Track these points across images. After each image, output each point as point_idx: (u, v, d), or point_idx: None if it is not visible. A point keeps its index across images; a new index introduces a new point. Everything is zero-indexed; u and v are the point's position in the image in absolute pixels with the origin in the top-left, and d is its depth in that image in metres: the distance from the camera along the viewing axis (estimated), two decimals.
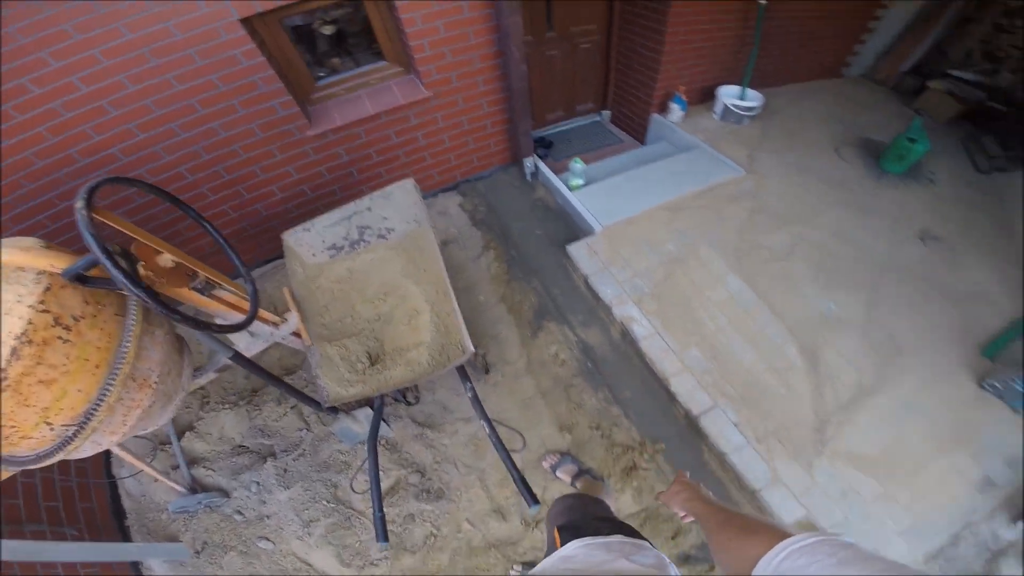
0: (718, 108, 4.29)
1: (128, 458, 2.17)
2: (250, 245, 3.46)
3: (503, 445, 2.14)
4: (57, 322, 1.25)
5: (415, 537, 2.40)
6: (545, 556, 1.22)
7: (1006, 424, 2.53)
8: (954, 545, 2.19)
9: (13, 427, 1.21)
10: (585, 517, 1.37)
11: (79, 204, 1.16)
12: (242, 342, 1.98)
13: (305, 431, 2.73)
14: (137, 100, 2.51)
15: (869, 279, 3.10)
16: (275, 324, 2.03)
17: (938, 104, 4.62)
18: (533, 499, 2.01)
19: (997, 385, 2.57)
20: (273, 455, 2.67)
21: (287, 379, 2.85)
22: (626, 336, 2.89)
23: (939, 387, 2.63)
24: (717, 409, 2.48)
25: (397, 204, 2.69)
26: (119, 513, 2.58)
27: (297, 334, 2.22)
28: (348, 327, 2.51)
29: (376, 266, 2.68)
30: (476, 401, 2.29)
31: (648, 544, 1.09)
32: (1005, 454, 2.43)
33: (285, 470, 2.61)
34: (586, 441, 2.56)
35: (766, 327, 2.82)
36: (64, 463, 2.42)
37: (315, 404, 2.36)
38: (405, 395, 2.81)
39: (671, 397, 2.62)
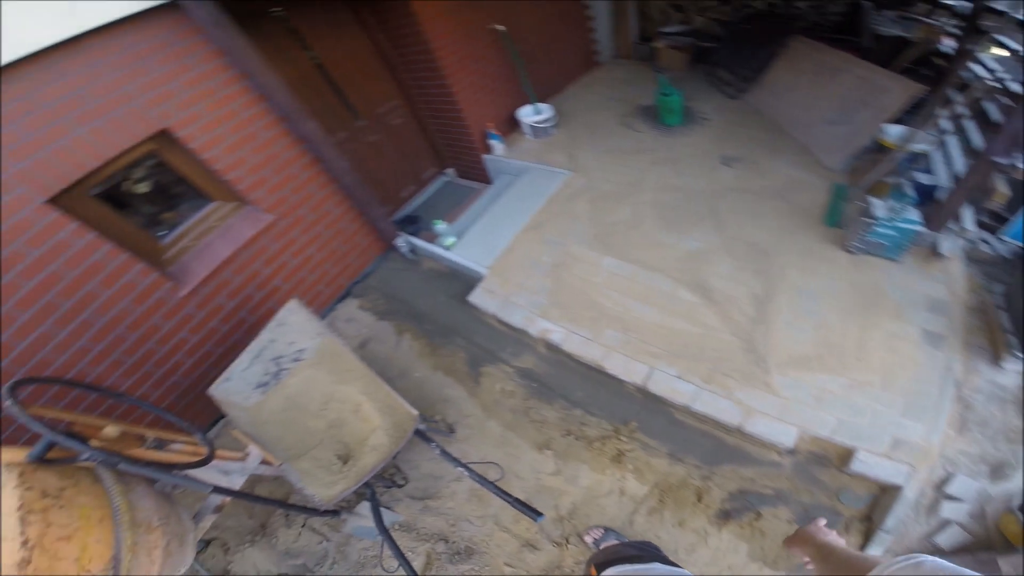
0: (526, 129, 4.91)
1: None
2: (191, 412, 3.28)
3: (487, 479, 2.35)
4: (45, 494, 1.38)
5: None
6: None
7: (896, 274, 2.90)
8: (968, 408, 2.39)
9: None
10: (622, 550, 1.43)
11: (7, 403, 1.34)
12: (221, 482, 2.06)
13: (325, 542, 2.76)
14: None
15: (707, 210, 3.74)
16: (241, 459, 2.21)
17: (670, 59, 5.65)
18: (535, 512, 2.19)
19: (859, 245, 2.98)
20: (310, 571, 2.69)
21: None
22: (550, 347, 3.20)
23: (817, 267, 3.09)
24: (656, 371, 2.81)
25: (294, 327, 2.81)
26: None
27: (266, 461, 2.34)
28: (309, 442, 2.66)
29: (307, 385, 2.80)
30: (445, 454, 2.54)
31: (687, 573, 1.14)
32: (921, 302, 2.73)
33: None
34: (567, 449, 2.77)
35: (652, 283, 3.28)
36: None
37: (314, 512, 2.43)
38: (393, 479, 2.89)
39: (614, 379, 2.93)
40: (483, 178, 5.07)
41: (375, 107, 4.34)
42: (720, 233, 3.53)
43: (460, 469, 2.46)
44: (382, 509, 2.54)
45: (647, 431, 2.75)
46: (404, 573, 2.44)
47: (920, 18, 4.25)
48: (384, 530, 2.35)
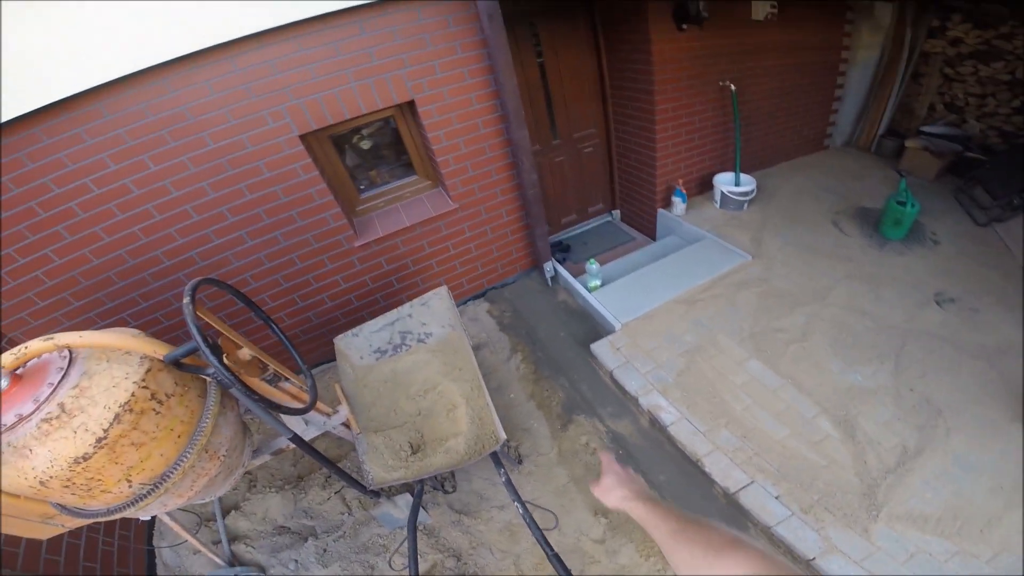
0: (716, 196, 4.60)
1: (176, 528, 2.34)
2: (302, 350, 3.75)
3: (537, 524, 2.24)
4: (153, 397, 1.51)
5: None
6: None
7: None
8: None
9: (99, 481, 1.42)
10: None
11: (186, 300, 1.52)
12: (297, 429, 2.23)
13: (347, 515, 2.87)
14: (215, 207, 2.96)
15: (891, 348, 3.15)
16: (327, 415, 2.32)
17: (920, 162, 4.79)
18: (568, 574, 2.05)
19: None
20: (315, 535, 2.79)
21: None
22: (655, 424, 2.98)
23: (990, 442, 2.57)
24: (755, 484, 2.50)
25: (434, 311, 3.02)
26: None
27: (347, 424, 2.48)
28: (392, 420, 2.79)
29: (417, 367, 2.98)
30: (510, 484, 2.46)
31: None
32: None
33: (324, 550, 2.71)
34: (621, 524, 2.59)
35: (794, 404, 2.87)
36: (110, 526, 2.67)
37: (360, 487, 2.51)
38: (443, 484, 2.96)
39: (707, 477, 2.66)
40: (648, 231, 4.93)
41: (573, 130, 4.51)
42: (895, 378, 2.98)
43: (516, 505, 2.42)
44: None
45: None
46: (407, 573, 2.49)
47: None
48: (414, 528, 2.38)
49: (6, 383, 1.38)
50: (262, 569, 2.68)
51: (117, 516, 1.58)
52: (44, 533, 1.77)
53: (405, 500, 2.65)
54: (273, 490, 3.01)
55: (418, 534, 2.68)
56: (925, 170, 4.78)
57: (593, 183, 4.97)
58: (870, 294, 3.59)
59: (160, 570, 2.77)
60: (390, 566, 2.64)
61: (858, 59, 4.93)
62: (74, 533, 2.41)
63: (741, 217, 4.50)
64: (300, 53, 2.69)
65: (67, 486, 1.38)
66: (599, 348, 3.43)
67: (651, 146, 4.24)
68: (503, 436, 2.43)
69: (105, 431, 1.37)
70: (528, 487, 2.86)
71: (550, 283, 4.25)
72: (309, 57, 2.73)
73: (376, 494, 2.63)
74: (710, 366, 3.17)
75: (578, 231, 5.15)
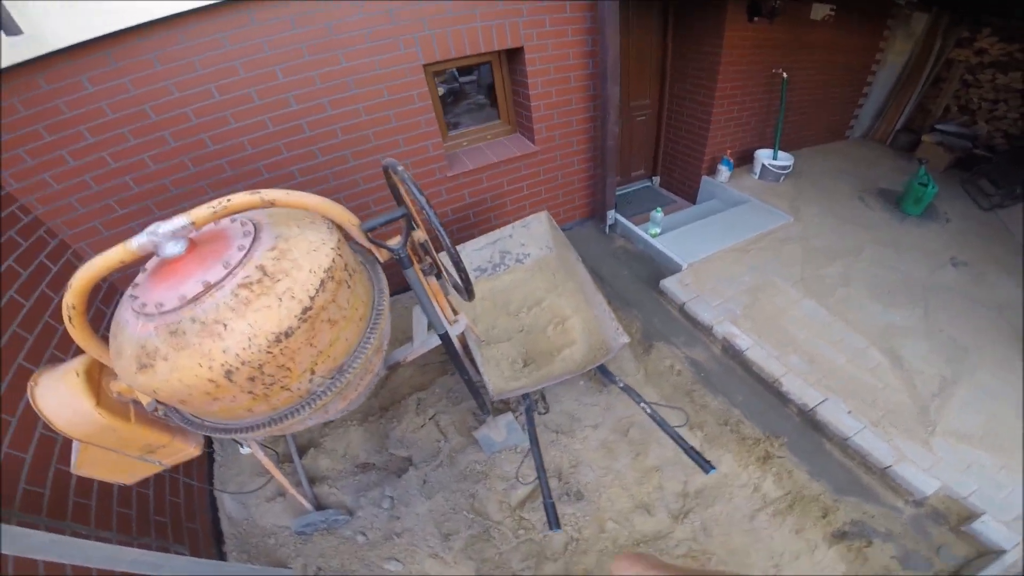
0: (756, 168, 5.06)
1: (267, 463, 2.09)
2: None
3: (666, 422, 2.48)
4: (346, 267, 1.39)
5: (555, 547, 2.45)
6: None
7: None
8: None
9: (287, 372, 1.25)
10: None
11: (400, 167, 1.56)
12: (417, 341, 2.25)
13: (443, 441, 2.89)
14: (330, 123, 3.10)
15: (919, 297, 3.67)
16: (452, 321, 2.28)
17: (932, 155, 5.43)
18: (707, 464, 2.34)
19: None
20: (413, 465, 2.78)
21: (417, 395, 3.14)
22: (728, 351, 3.34)
23: (1009, 376, 3.05)
24: (829, 400, 2.88)
25: (533, 233, 3.27)
26: (218, 537, 2.53)
27: (471, 329, 2.59)
28: (498, 336, 2.95)
29: (515, 286, 3.21)
30: (629, 389, 2.69)
31: None
32: None
33: (425, 480, 2.71)
34: (717, 436, 2.90)
35: (846, 337, 3.32)
36: (175, 483, 2.44)
37: (480, 400, 2.61)
38: (537, 404, 3.10)
39: (782, 398, 3.02)
40: (689, 196, 5.33)
41: (631, 100, 4.81)
42: (925, 320, 3.49)
43: (643, 406, 2.66)
44: (516, 424, 2.70)
45: (793, 449, 2.79)
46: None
47: None
48: (534, 434, 2.55)
49: (182, 247, 1.16)
50: (348, 512, 2.57)
51: (272, 430, 1.39)
52: (134, 474, 1.53)
53: (506, 421, 2.78)
54: (353, 424, 2.92)
55: (518, 454, 2.77)
56: (936, 162, 5.40)
57: (640, 150, 5.31)
58: (895, 255, 4.12)
59: (224, 524, 2.57)
60: (518, 479, 2.70)
61: (888, 62, 5.52)
62: (143, 484, 2.14)
63: (777, 188, 4.97)
64: None
65: (253, 378, 1.20)
66: (669, 283, 3.78)
67: (706, 120, 4.63)
68: (624, 338, 2.65)
69: (312, 299, 1.22)
70: (620, 406, 3.06)
71: (607, 231, 4.56)
72: None
73: (486, 412, 2.73)
74: (771, 303, 3.58)
75: (621, 192, 5.48)
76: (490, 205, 4.06)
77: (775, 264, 3.95)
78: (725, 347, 3.36)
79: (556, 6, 3.31)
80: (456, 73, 3.78)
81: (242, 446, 1.71)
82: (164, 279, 1.22)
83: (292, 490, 2.34)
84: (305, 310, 1.20)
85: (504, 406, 2.97)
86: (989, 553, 2.27)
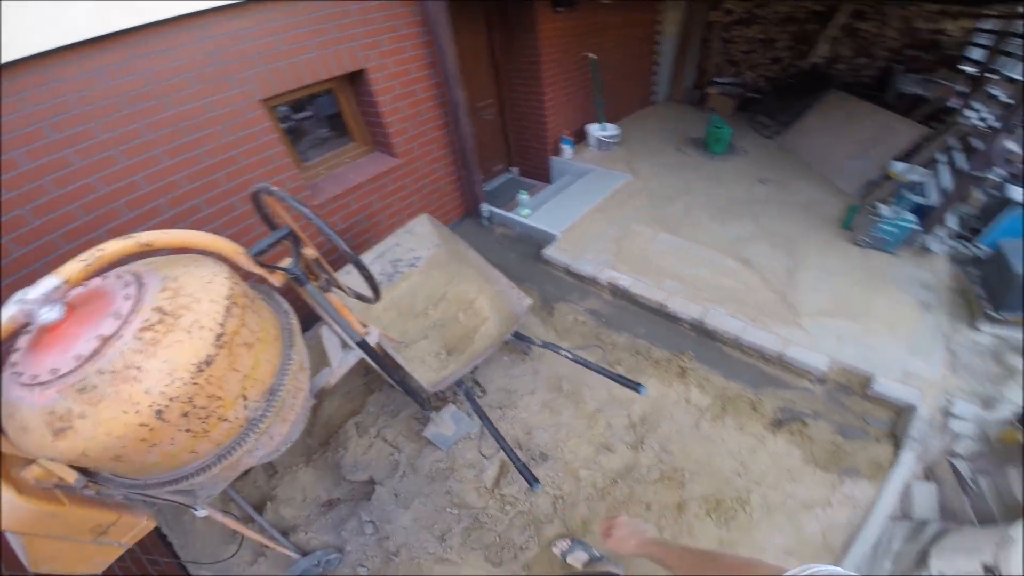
0: (592, 141, 5.77)
1: (231, 523, 2.00)
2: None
3: (588, 360, 2.78)
4: (245, 293, 1.41)
5: (543, 510, 2.57)
6: None
7: (895, 263, 3.73)
8: (956, 356, 2.97)
9: (219, 401, 1.24)
10: None
11: (276, 188, 1.56)
12: (335, 362, 2.21)
13: (397, 453, 2.89)
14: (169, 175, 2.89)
15: (746, 211, 4.53)
16: (364, 333, 2.21)
17: (719, 104, 6.69)
18: (636, 384, 2.67)
19: (867, 240, 3.86)
20: (379, 484, 2.76)
21: (354, 419, 3.10)
22: (616, 293, 3.80)
23: (834, 254, 3.87)
24: (710, 310, 3.41)
25: (419, 236, 3.40)
26: None
27: (388, 336, 2.62)
28: (413, 337, 3.06)
29: (415, 288, 3.33)
30: (548, 344, 2.95)
31: None
32: (915, 282, 3.54)
33: (396, 494, 2.70)
34: (635, 365, 3.27)
35: (702, 254, 3.97)
36: (139, 563, 2.20)
37: (419, 399, 2.65)
38: (472, 389, 3.20)
39: (673, 318, 3.52)
40: (544, 177, 5.85)
41: (475, 101, 5.15)
42: (757, 226, 4.31)
43: (564, 353, 2.91)
44: (460, 412, 2.81)
45: (701, 359, 3.25)
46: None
47: (940, 80, 5.20)
48: (481, 411, 2.68)
49: (59, 312, 1.09)
50: (338, 549, 2.51)
51: (228, 461, 1.36)
52: (97, 561, 1.40)
53: (450, 412, 2.87)
54: (300, 466, 2.90)
55: (474, 441, 2.84)
56: (723, 109, 6.65)
57: (493, 145, 5.69)
58: (718, 185, 5.02)
59: None
60: (481, 453, 2.79)
61: (667, 32, 6.59)
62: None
63: (613, 154, 5.72)
64: (266, 25, 2.90)
65: (186, 413, 1.18)
66: (550, 252, 4.16)
67: (541, 105, 5.15)
68: (528, 301, 2.92)
69: (222, 325, 1.22)
70: (545, 368, 3.30)
71: (487, 224, 4.83)
72: (277, 28, 2.94)
73: (427, 410, 2.78)
74: (635, 244, 4.14)
75: (488, 188, 5.81)
76: (366, 225, 4.08)
77: (629, 213, 4.56)
78: (613, 290, 3.81)
79: (391, 26, 3.47)
80: (303, 102, 3.75)
81: (196, 510, 1.56)
82: (48, 347, 1.14)
83: (271, 543, 2.23)
84: (219, 336, 1.21)
85: (443, 402, 3.04)
86: (904, 411, 2.75)
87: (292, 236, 1.69)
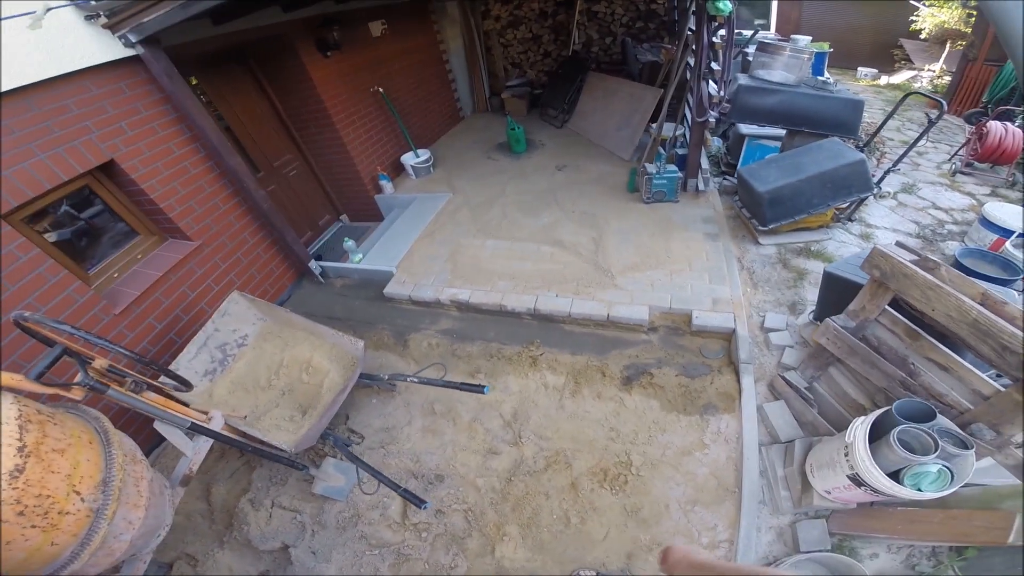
0: (409, 171, 5.93)
1: None
2: (129, 431, 3.23)
3: (434, 379, 2.96)
4: (39, 410, 1.51)
5: (458, 526, 2.64)
6: None
7: (678, 208, 4.43)
8: (752, 273, 3.59)
9: (49, 498, 1.38)
10: None
11: (28, 312, 1.59)
12: (188, 451, 2.27)
13: (300, 515, 2.85)
14: None
15: (551, 199, 5.05)
16: (205, 421, 2.32)
17: (514, 106, 7.32)
18: (478, 387, 2.86)
19: (648, 196, 4.54)
20: (293, 547, 2.71)
21: (246, 496, 2.95)
22: (459, 306, 3.99)
23: (628, 216, 4.48)
24: (540, 296, 3.76)
25: (236, 315, 3.29)
26: None
27: (233, 415, 2.60)
28: (266, 408, 3.01)
29: (252, 365, 3.24)
30: (396, 375, 3.11)
31: None
32: (698, 219, 4.22)
33: (313, 552, 2.68)
34: (492, 368, 3.47)
35: (522, 248, 4.35)
36: None
37: (288, 462, 2.66)
38: (351, 439, 3.18)
39: (513, 314, 3.80)
40: (375, 217, 5.88)
41: (272, 160, 5.03)
42: (562, 210, 4.85)
43: (410, 379, 3.02)
44: (343, 463, 2.83)
45: (548, 343, 3.56)
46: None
47: (664, 45, 6.26)
48: (351, 454, 2.75)
49: None
50: None
51: (90, 549, 1.51)
52: None
53: (332, 464, 2.87)
54: (216, 550, 2.78)
55: (373, 484, 2.78)
56: (518, 109, 7.27)
57: (311, 200, 5.59)
58: (524, 181, 5.52)
59: None
60: (361, 490, 2.81)
61: (452, 48, 7.04)
62: None
63: (432, 177, 5.98)
64: None
65: (22, 512, 1.32)
66: (391, 288, 4.23)
67: (345, 150, 5.19)
68: (360, 342, 3.02)
69: (20, 439, 1.36)
70: (412, 398, 3.37)
71: (323, 280, 4.74)
72: None
73: (304, 467, 2.78)
74: (466, 256, 4.39)
75: (320, 244, 5.69)
76: (188, 319, 3.78)
77: (455, 229, 4.82)
78: (457, 306, 4.00)
79: (130, 110, 3.24)
80: (92, 197, 3.34)
81: None
82: None
83: None
84: (21, 449, 1.33)
85: (320, 457, 3.01)
86: (728, 337, 3.14)
87: (68, 352, 1.69)
